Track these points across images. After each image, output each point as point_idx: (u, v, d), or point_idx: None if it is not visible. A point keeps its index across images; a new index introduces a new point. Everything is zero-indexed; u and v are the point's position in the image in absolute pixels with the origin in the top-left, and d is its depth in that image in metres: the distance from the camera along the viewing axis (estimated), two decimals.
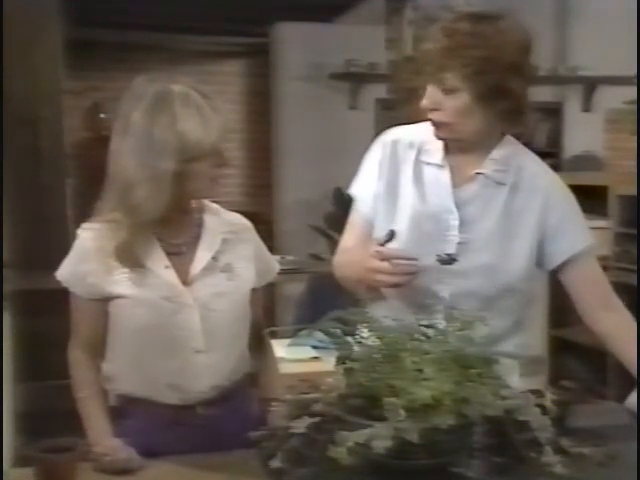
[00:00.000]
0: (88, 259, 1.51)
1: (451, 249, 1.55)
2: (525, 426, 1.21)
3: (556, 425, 1.23)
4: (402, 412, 1.09)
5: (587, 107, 5.90)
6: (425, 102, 1.52)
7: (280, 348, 2.99)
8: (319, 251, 5.07)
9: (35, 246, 3.76)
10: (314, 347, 2.92)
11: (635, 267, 3.72)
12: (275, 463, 1.25)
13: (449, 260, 1.54)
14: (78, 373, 1.59)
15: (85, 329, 1.57)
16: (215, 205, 1.65)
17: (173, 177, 1.45)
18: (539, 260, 1.60)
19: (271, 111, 6.24)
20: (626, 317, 1.60)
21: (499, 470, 1.21)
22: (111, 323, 1.54)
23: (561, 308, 3.99)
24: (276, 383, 1.86)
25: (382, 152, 1.65)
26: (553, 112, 5.83)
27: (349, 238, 1.69)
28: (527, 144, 1.64)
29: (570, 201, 1.63)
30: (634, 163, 3.98)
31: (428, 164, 1.61)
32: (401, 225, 1.57)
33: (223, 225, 1.62)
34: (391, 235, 1.52)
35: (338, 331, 1.28)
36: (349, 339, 1.28)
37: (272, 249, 1.82)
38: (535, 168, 1.62)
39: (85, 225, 1.55)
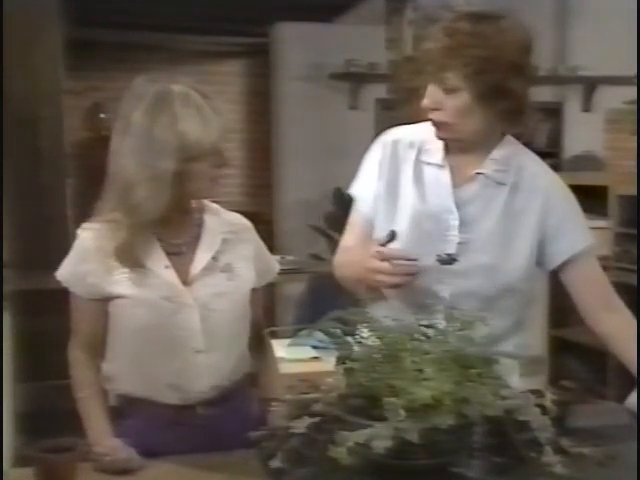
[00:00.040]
0: (88, 259, 1.51)
1: (451, 249, 1.55)
2: (525, 426, 1.21)
3: (556, 425, 1.23)
4: (402, 412, 1.09)
5: (587, 107, 5.90)
6: (426, 102, 1.52)
7: (280, 348, 2.98)
8: (319, 251, 5.07)
9: (35, 246, 3.77)
10: (314, 347, 2.92)
11: (635, 267, 3.72)
12: (275, 463, 1.25)
13: (449, 260, 1.54)
14: (78, 373, 1.59)
15: (85, 329, 1.57)
16: (215, 205, 1.65)
17: (173, 177, 1.45)
18: (539, 260, 1.60)
19: (271, 111, 6.24)
20: (628, 318, 1.60)
21: (499, 470, 1.21)
22: (111, 323, 1.54)
23: (561, 308, 3.99)
24: (276, 383, 1.86)
25: (382, 152, 1.65)
26: (553, 112, 5.83)
27: (349, 238, 1.69)
28: (527, 144, 1.64)
29: (570, 201, 1.63)
30: (634, 163, 3.98)
31: (428, 164, 1.61)
32: (401, 225, 1.57)
33: (223, 225, 1.62)
34: (392, 236, 1.52)
35: (338, 331, 1.28)
36: (349, 339, 1.28)
37: (272, 249, 1.82)
38: (535, 168, 1.62)
39: (85, 225, 1.55)
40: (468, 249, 1.55)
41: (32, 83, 4.02)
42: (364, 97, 5.79)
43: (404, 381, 1.14)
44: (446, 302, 1.52)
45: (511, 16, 1.51)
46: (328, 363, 1.31)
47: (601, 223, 3.77)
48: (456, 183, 1.58)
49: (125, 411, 1.58)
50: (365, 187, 1.67)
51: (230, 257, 1.59)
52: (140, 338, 1.52)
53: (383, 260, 1.46)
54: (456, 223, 1.56)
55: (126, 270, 1.50)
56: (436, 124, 1.54)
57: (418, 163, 1.62)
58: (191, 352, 1.52)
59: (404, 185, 1.61)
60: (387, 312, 1.45)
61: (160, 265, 1.52)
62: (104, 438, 1.50)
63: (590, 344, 3.52)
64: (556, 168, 1.71)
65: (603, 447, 1.26)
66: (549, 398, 1.29)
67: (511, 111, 1.51)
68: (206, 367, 1.54)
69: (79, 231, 1.55)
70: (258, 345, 1.73)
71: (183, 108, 1.44)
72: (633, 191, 3.70)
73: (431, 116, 1.54)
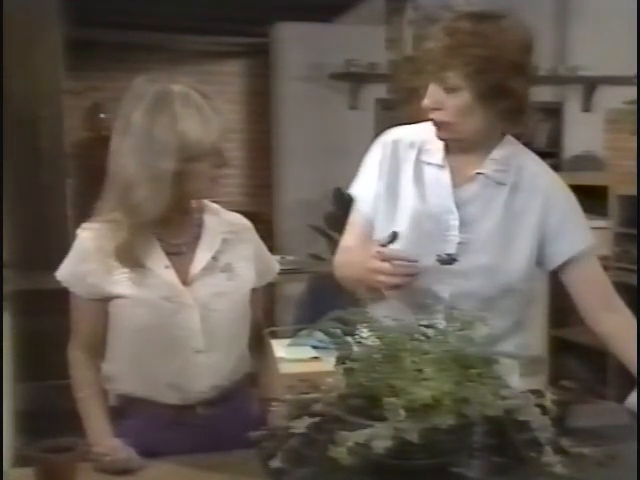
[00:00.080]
0: (88, 259, 1.51)
1: (451, 249, 1.55)
2: (525, 426, 1.21)
3: (556, 425, 1.23)
4: (402, 412, 1.09)
5: (587, 107, 5.90)
6: (427, 101, 1.52)
7: (280, 348, 2.99)
8: (319, 251, 5.07)
9: (35, 246, 3.77)
10: (314, 347, 2.92)
11: (635, 267, 3.72)
12: (275, 463, 1.25)
13: (449, 260, 1.54)
14: (78, 373, 1.59)
15: (85, 329, 1.57)
16: (215, 205, 1.65)
17: (173, 177, 1.45)
18: (540, 260, 1.60)
19: (271, 111, 6.24)
20: (628, 318, 1.60)
21: (499, 470, 1.21)
22: (111, 323, 1.54)
23: (561, 308, 3.99)
24: (276, 383, 1.86)
25: (382, 152, 1.65)
26: (553, 112, 5.83)
27: (349, 238, 1.69)
28: (527, 144, 1.64)
29: (571, 201, 1.63)
30: (634, 163, 3.98)
31: (428, 164, 1.61)
32: (401, 225, 1.57)
33: (223, 225, 1.62)
34: (393, 237, 1.52)
35: (338, 331, 1.28)
36: (349, 339, 1.28)
37: (272, 249, 1.82)
38: (535, 168, 1.62)
39: (85, 225, 1.55)
40: (468, 249, 1.55)
41: (32, 83, 4.02)
42: (364, 97, 5.79)
43: (404, 381, 1.14)
44: (446, 302, 1.52)
45: (512, 16, 1.51)
46: (328, 363, 1.31)
47: (601, 223, 3.77)
48: (456, 183, 1.58)
49: (125, 411, 1.58)
50: (365, 187, 1.67)
51: (230, 257, 1.59)
52: (140, 338, 1.52)
53: (384, 261, 1.46)
54: (456, 223, 1.56)
55: (126, 270, 1.50)
56: (437, 124, 1.54)
57: (418, 163, 1.62)
58: (191, 352, 1.52)
59: (404, 185, 1.61)
60: (387, 312, 1.45)
61: (160, 265, 1.52)
62: (104, 438, 1.50)
63: (590, 344, 3.52)
64: (556, 168, 1.71)
65: (603, 447, 1.26)
66: (549, 398, 1.29)
67: (512, 110, 1.51)
68: (206, 367, 1.54)
69: (79, 231, 1.55)
70: (258, 345, 1.73)
71: (183, 108, 1.44)
72: (633, 191, 3.70)
73: (432, 116, 1.54)
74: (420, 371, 1.16)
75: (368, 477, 1.16)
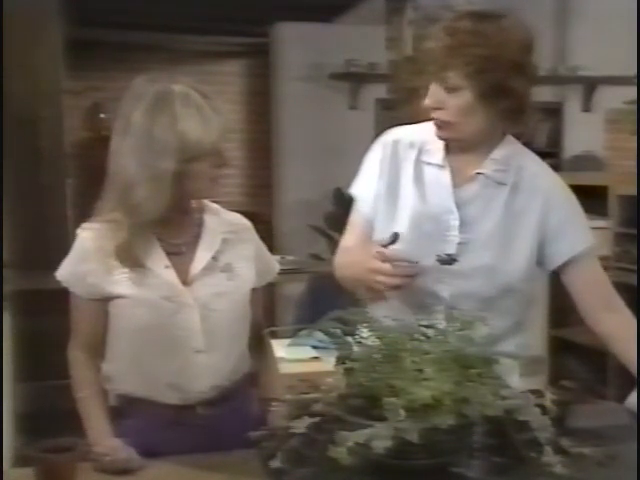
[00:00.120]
0: (88, 259, 1.51)
1: (451, 249, 1.55)
2: (525, 426, 1.21)
3: (556, 425, 1.23)
4: (402, 412, 1.09)
5: (587, 107, 5.90)
6: (428, 101, 1.52)
7: (280, 348, 2.98)
8: (319, 251, 5.07)
9: (35, 246, 3.77)
10: (314, 347, 2.92)
11: (635, 267, 3.72)
12: (275, 463, 1.25)
13: (449, 260, 1.54)
14: (78, 373, 1.59)
15: (85, 329, 1.57)
16: (215, 205, 1.65)
17: (173, 177, 1.45)
18: (540, 260, 1.60)
19: (271, 111, 6.24)
20: (628, 318, 1.60)
21: (499, 470, 1.21)
22: (111, 323, 1.54)
23: (561, 308, 3.99)
24: (276, 383, 1.86)
25: (383, 152, 1.65)
26: (553, 112, 5.83)
27: (350, 238, 1.69)
28: (527, 144, 1.64)
29: (571, 201, 1.62)
30: (634, 163, 3.98)
31: (429, 164, 1.61)
32: (401, 225, 1.57)
33: (223, 225, 1.62)
34: (395, 237, 1.52)
35: (338, 331, 1.28)
36: (349, 339, 1.28)
37: (272, 249, 1.82)
38: (535, 168, 1.62)
39: (85, 225, 1.55)
40: (468, 249, 1.55)
41: (32, 83, 4.02)
42: (364, 97, 5.79)
43: (404, 381, 1.14)
44: (446, 302, 1.52)
45: (512, 15, 1.51)
46: (328, 363, 1.31)
47: (601, 223, 3.77)
48: (456, 183, 1.58)
49: (125, 411, 1.58)
50: (365, 187, 1.67)
51: (230, 257, 1.59)
52: (140, 338, 1.52)
53: (384, 261, 1.46)
54: (456, 223, 1.56)
55: (126, 270, 1.50)
56: (438, 124, 1.54)
57: (418, 163, 1.62)
58: (191, 352, 1.52)
59: (404, 185, 1.61)
60: (387, 312, 1.44)
61: (160, 265, 1.52)
62: (104, 438, 1.50)
63: (590, 344, 3.52)
64: (556, 168, 1.71)
65: (603, 447, 1.26)
66: (549, 398, 1.29)
67: (513, 110, 1.51)
68: (206, 367, 1.54)
69: (79, 231, 1.55)
70: (258, 345, 1.73)
71: (183, 108, 1.44)
72: (633, 191, 3.71)
73: (433, 115, 1.54)
74: (420, 371, 1.16)
75: (368, 477, 1.16)
